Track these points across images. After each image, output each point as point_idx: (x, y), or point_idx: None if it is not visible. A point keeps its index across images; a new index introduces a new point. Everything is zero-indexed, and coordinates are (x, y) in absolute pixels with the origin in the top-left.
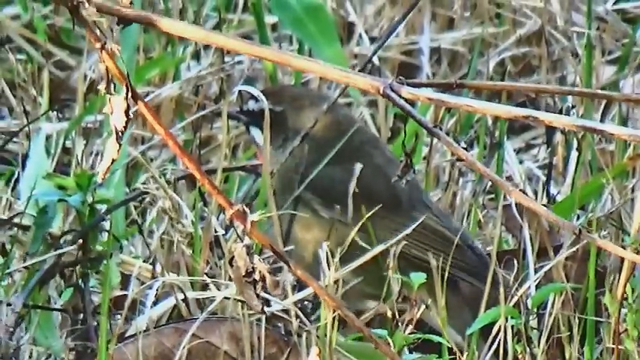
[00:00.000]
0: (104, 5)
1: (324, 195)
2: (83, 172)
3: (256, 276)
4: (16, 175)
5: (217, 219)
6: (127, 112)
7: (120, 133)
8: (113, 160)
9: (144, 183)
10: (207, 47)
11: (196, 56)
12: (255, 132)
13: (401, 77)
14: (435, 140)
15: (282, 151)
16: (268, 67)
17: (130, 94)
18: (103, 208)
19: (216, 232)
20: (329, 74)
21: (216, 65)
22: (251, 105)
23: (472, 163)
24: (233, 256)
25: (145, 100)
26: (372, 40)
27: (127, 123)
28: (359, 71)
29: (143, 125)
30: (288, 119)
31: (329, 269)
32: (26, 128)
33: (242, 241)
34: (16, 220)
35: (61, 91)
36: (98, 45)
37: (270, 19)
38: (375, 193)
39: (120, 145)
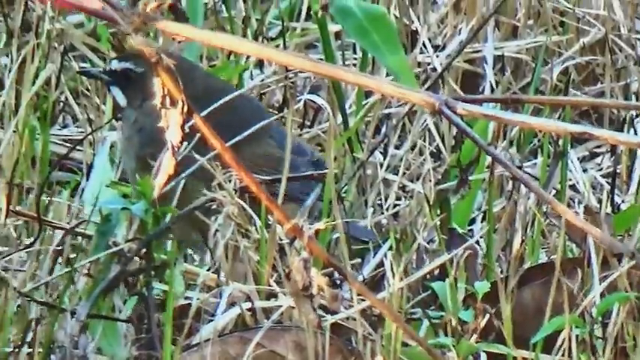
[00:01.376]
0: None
1: (155, 145)
2: (147, 180)
3: (314, 290)
4: (80, 184)
5: (282, 227)
6: (182, 127)
7: (176, 148)
8: (169, 176)
9: (210, 190)
10: None
11: (260, 65)
12: (115, 91)
13: (456, 93)
14: (499, 149)
15: (140, 111)
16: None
17: (185, 109)
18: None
19: (281, 240)
20: (384, 89)
21: (279, 74)
22: (114, 65)
23: (526, 182)
24: (291, 270)
25: (209, 108)
26: (436, 48)
27: (182, 138)
28: (423, 81)
29: None
30: (147, 81)
31: (393, 278)
32: (90, 137)
33: (300, 255)
34: (80, 228)
35: None
36: (154, 59)
37: (333, 28)
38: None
39: (176, 160)
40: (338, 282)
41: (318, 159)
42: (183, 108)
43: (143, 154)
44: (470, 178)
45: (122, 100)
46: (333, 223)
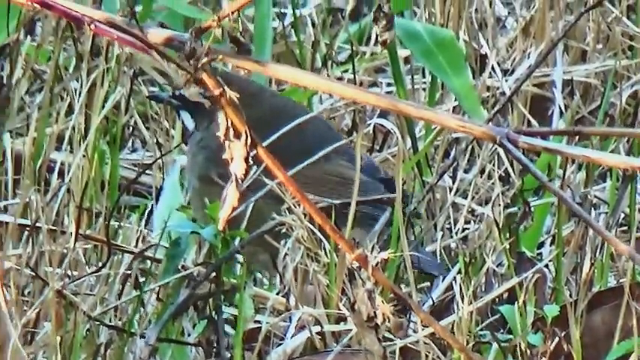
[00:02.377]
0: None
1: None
2: (216, 205)
3: (378, 320)
4: (149, 208)
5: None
6: (246, 160)
7: (240, 181)
8: (234, 208)
9: (279, 214)
10: (339, 79)
11: None
12: (184, 116)
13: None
14: (569, 172)
15: (207, 132)
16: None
17: (249, 141)
18: (236, 239)
19: (350, 263)
20: (446, 123)
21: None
22: (185, 92)
23: (587, 221)
24: (355, 301)
25: (278, 132)
26: (505, 72)
27: (247, 170)
28: (492, 105)
29: None
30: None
31: (462, 302)
32: (159, 161)
33: (364, 285)
34: (149, 252)
35: None
36: (217, 92)
37: (403, 52)
38: (285, 152)
39: (240, 192)
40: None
41: (389, 177)
42: (247, 140)
43: (206, 173)
44: (539, 202)
45: (190, 125)
46: (399, 254)
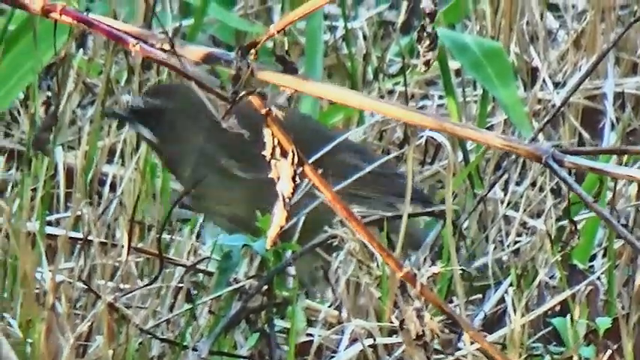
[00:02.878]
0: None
1: (240, 156)
2: (268, 217)
3: (427, 338)
4: (201, 220)
5: (404, 263)
6: (293, 179)
7: (287, 200)
8: (281, 228)
9: (331, 225)
10: (391, 92)
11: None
12: (142, 130)
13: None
14: (620, 185)
15: (175, 143)
16: (453, 112)
17: (296, 160)
18: (288, 252)
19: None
20: (490, 141)
21: None
22: (136, 102)
23: (631, 242)
24: (404, 319)
25: (331, 144)
26: (556, 85)
27: (294, 189)
28: (544, 117)
29: None
30: (178, 115)
31: (514, 314)
32: None
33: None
34: (201, 265)
35: None
36: (263, 111)
37: (454, 65)
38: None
39: (287, 212)
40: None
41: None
42: (293, 159)
43: (226, 167)
44: (590, 214)
45: (151, 137)
46: (449, 268)
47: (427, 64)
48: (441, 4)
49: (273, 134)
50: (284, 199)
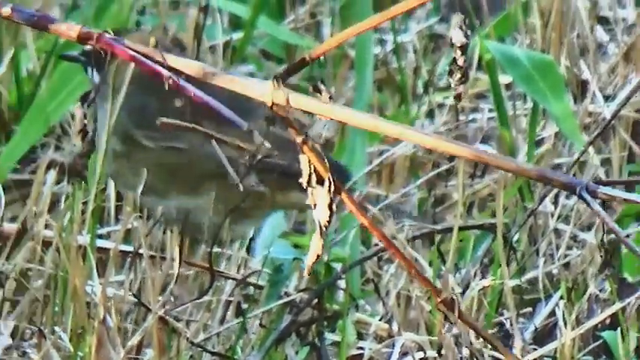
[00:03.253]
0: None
1: (148, 125)
2: (308, 238)
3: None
4: (251, 234)
5: (455, 277)
6: (330, 206)
7: (324, 228)
8: (318, 256)
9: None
10: (441, 106)
11: (430, 114)
12: (89, 72)
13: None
14: None
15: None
16: (503, 126)
17: (332, 188)
18: (338, 266)
19: (452, 289)
20: (525, 173)
21: (450, 123)
22: (89, 46)
23: None
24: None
25: (380, 159)
26: (606, 98)
27: (330, 217)
28: (594, 130)
29: (377, 183)
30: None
31: (565, 328)
32: None
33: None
34: (252, 279)
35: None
36: (299, 139)
37: (504, 79)
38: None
39: (325, 240)
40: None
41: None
42: (330, 187)
43: (130, 133)
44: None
45: (96, 78)
46: (500, 281)
47: (459, 97)
48: (491, 17)
49: (309, 162)
50: (321, 227)
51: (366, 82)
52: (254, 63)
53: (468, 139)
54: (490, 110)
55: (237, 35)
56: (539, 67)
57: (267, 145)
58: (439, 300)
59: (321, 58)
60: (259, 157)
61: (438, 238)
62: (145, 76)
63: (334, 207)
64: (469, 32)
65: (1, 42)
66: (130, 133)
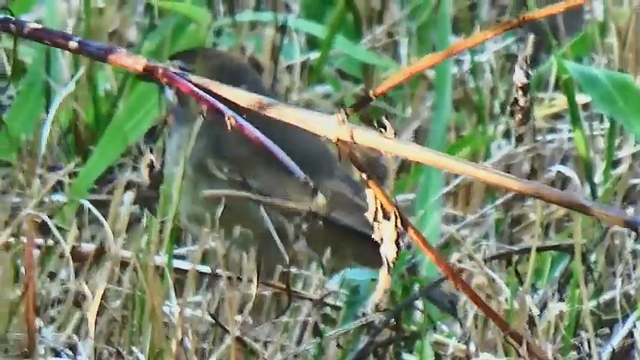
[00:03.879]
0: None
1: (223, 156)
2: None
3: None
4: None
5: (532, 297)
6: (397, 242)
7: (391, 264)
8: (385, 291)
9: (459, 261)
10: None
11: (507, 134)
12: (168, 92)
13: None
14: None
15: (190, 112)
16: (580, 146)
17: (399, 223)
18: (416, 286)
19: (530, 310)
20: (588, 211)
21: (527, 144)
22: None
23: None
24: None
25: (456, 180)
26: None
27: (397, 253)
28: None
29: (454, 204)
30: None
31: None
32: None
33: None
34: (329, 299)
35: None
36: (364, 175)
37: (581, 99)
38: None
39: (391, 275)
40: None
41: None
42: (396, 222)
43: (203, 162)
44: None
45: (174, 99)
46: (578, 306)
47: (520, 138)
48: (568, 37)
49: (375, 197)
50: (388, 263)
51: (445, 103)
52: (331, 83)
53: (546, 159)
54: (568, 130)
55: (314, 55)
56: (619, 86)
57: (324, 200)
58: (506, 333)
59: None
60: (314, 215)
61: (515, 258)
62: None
63: (401, 243)
64: (530, 72)
65: (79, 61)
66: (202, 161)
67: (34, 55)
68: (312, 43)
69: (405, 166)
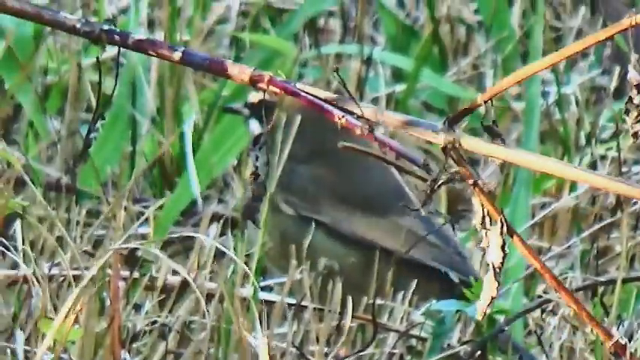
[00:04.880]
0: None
1: (292, 190)
2: (480, 284)
3: None
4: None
5: (617, 329)
6: (503, 248)
7: (497, 270)
8: (492, 298)
9: (545, 292)
10: (603, 158)
11: (593, 166)
12: (252, 123)
13: None
14: None
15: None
16: None
17: (505, 230)
18: (501, 318)
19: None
20: None
21: (612, 174)
22: (251, 97)
23: None
24: None
25: (542, 212)
26: None
27: (503, 259)
28: None
29: (540, 235)
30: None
31: None
32: None
33: None
34: (415, 331)
35: (458, 202)
36: (470, 181)
37: None
38: (353, 193)
39: (498, 282)
40: None
41: (461, 251)
42: (502, 229)
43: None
44: None
45: (257, 129)
46: None
47: (636, 135)
48: None
49: (482, 204)
50: (494, 269)
51: (533, 135)
52: (416, 115)
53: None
54: None
55: (400, 87)
56: None
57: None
58: (611, 344)
59: (483, 110)
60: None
61: (600, 290)
62: (297, 141)
63: (507, 249)
64: None
65: (164, 94)
66: (281, 195)
67: (120, 88)
68: (397, 75)
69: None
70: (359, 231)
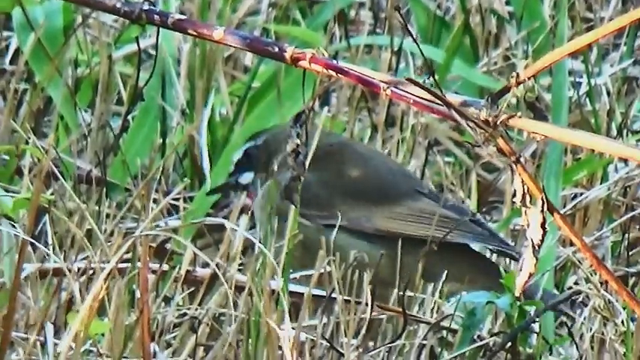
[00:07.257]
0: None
1: (306, 203)
2: (512, 275)
3: None
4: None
5: None
6: (543, 226)
7: (537, 247)
8: (531, 275)
9: (576, 283)
10: None
11: (625, 158)
12: (244, 178)
13: None
14: None
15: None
16: None
17: (545, 207)
18: (532, 309)
19: None
20: None
21: None
22: (234, 157)
23: None
24: None
25: (573, 202)
26: None
27: (543, 236)
28: None
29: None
30: (270, 146)
31: None
32: None
33: None
34: (445, 322)
35: (489, 193)
36: (513, 158)
37: None
38: (363, 188)
39: (537, 258)
40: None
41: (476, 216)
42: (543, 207)
43: (281, 206)
44: None
45: (249, 179)
46: None
47: None
48: None
49: (523, 182)
50: (534, 246)
51: (562, 125)
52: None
53: None
54: None
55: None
56: None
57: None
58: None
59: (514, 100)
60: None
61: (631, 281)
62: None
63: (547, 226)
64: None
65: (194, 86)
66: (280, 205)
67: (150, 81)
68: (428, 66)
69: None
70: (379, 224)
